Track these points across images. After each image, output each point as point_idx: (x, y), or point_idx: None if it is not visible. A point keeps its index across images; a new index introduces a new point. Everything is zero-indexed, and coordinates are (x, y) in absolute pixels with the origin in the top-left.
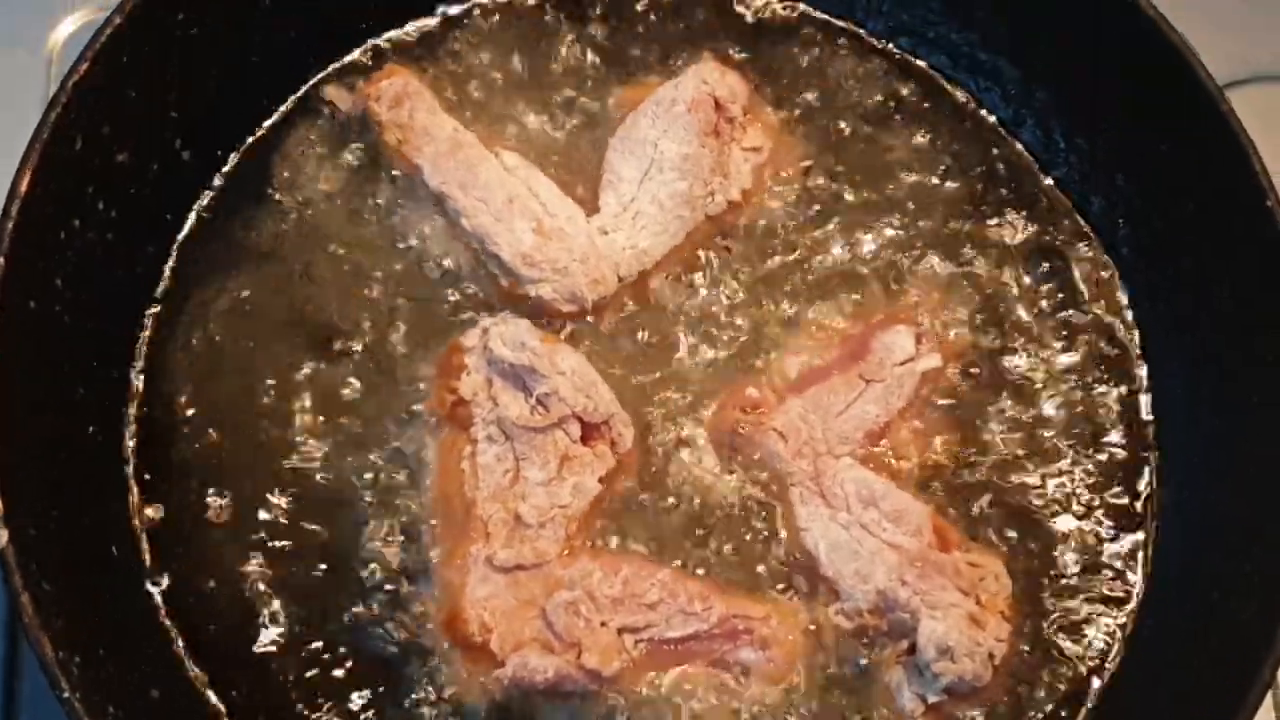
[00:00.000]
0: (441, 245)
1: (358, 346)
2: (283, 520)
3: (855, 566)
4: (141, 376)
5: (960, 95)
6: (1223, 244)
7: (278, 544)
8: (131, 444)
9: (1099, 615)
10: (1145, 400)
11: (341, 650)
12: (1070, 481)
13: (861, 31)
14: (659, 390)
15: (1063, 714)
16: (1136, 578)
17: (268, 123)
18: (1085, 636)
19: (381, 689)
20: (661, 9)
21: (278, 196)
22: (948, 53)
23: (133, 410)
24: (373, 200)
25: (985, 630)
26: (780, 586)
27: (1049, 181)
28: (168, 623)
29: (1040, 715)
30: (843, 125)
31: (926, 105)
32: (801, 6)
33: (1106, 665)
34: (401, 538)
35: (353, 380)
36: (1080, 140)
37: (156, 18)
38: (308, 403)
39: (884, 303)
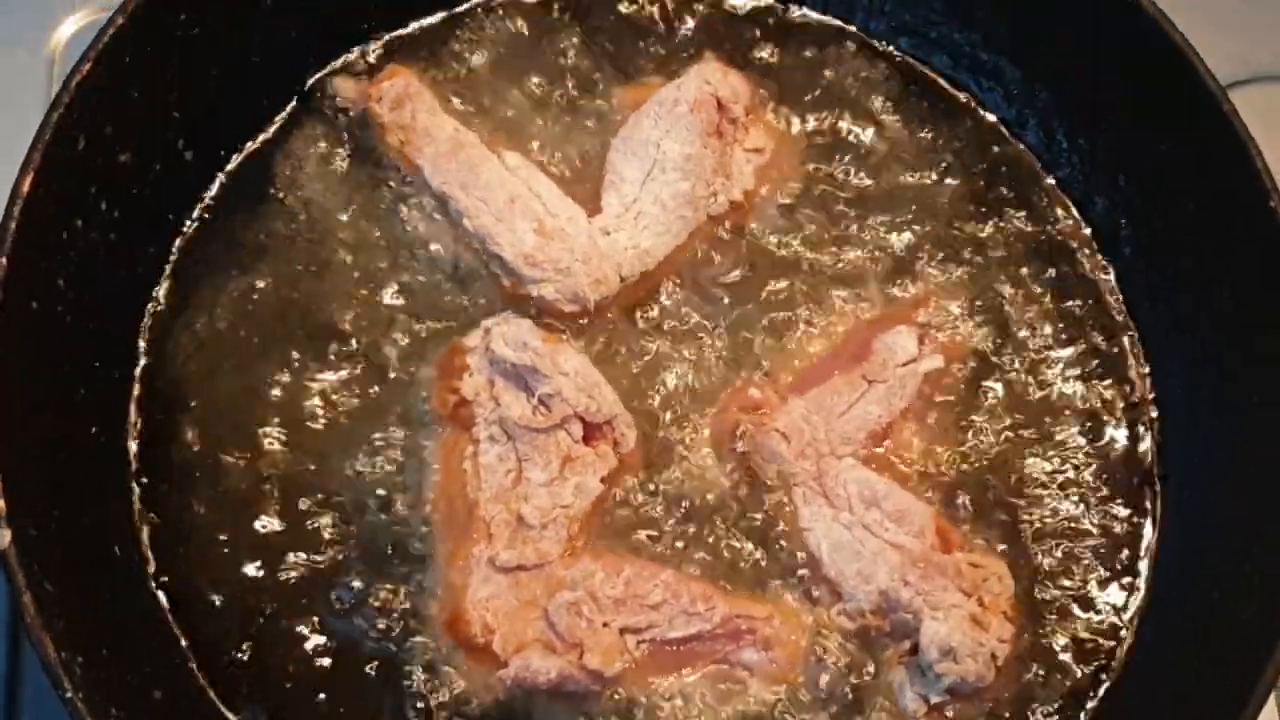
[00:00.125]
0: (443, 246)
1: (359, 347)
2: (284, 521)
3: (858, 567)
4: (143, 377)
5: (962, 96)
6: (1223, 244)
7: (279, 545)
8: (133, 444)
9: (1099, 616)
10: (1145, 400)
11: (343, 651)
12: (1071, 482)
13: (864, 33)
14: (661, 391)
15: (1063, 715)
16: (1137, 578)
17: (270, 124)
18: (1086, 637)
19: (383, 690)
20: (664, 9)
21: (279, 196)
22: (950, 53)
23: (134, 410)
24: (374, 201)
25: (988, 631)
26: (782, 587)
27: (1051, 181)
28: (170, 623)
29: (1041, 716)
30: (845, 125)
31: (928, 105)
32: (804, 8)
33: (1107, 666)
34: (404, 539)
35: (354, 380)
36: (1081, 140)
37: (158, 18)
38: (309, 403)
39: (886, 303)
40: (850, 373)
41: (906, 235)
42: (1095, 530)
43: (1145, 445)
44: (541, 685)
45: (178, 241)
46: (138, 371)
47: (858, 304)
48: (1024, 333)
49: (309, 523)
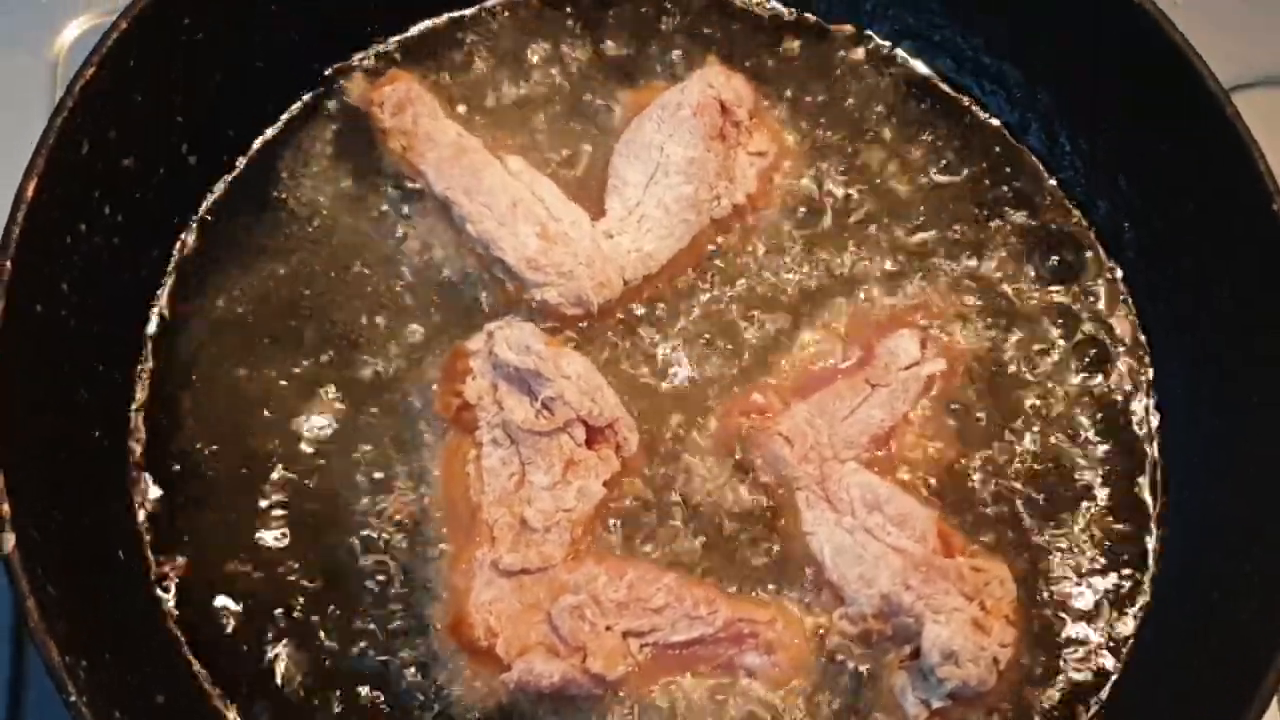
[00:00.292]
0: (446, 249)
1: (361, 350)
2: (285, 523)
3: (860, 571)
4: (145, 379)
5: (964, 99)
6: (1223, 244)
7: (280, 546)
8: (135, 447)
9: (1100, 617)
10: (1146, 400)
11: (344, 653)
12: (1072, 483)
13: (866, 35)
14: (664, 394)
15: (1064, 716)
16: (1138, 578)
17: (272, 127)
18: (1086, 638)
19: (386, 692)
20: (667, 13)
21: (282, 200)
22: (952, 56)
23: (136, 413)
24: (377, 204)
25: (990, 635)
26: (785, 590)
27: (1053, 183)
28: (172, 626)
29: (1042, 718)
30: (848, 129)
31: (931, 108)
32: (807, 11)
33: (1108, 667)
34: (405, 542)
35: (356, 383)
36: (1082, 142)
37: (162, 21)
38: (311, 406)
39: (889, 306)
40: (853, 376)
41: (909, 238)
42: (1096, 531)
43: (1145, 445)
44: (544, 689)
45: (180, 245)
46: (140, 374)
47: (860, 307)
48: (1026, 335)
49: (309, 524)
